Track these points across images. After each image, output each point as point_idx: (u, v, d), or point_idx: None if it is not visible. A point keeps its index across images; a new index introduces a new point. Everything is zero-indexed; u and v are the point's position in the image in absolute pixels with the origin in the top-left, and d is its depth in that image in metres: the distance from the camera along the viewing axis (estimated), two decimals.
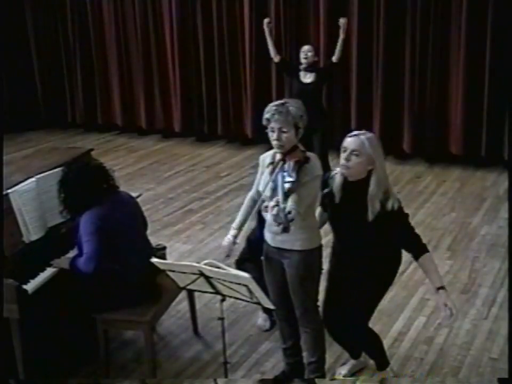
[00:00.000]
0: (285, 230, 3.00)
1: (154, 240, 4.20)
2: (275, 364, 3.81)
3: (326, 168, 4.76)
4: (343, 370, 3.69)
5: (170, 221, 6.14)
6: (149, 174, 7.68)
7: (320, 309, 3.45)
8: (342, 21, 6.47)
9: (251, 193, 3.43)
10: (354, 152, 3.04)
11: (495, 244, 5.35)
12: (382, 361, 3.60)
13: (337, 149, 3.29)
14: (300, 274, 3.25)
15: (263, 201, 3.10)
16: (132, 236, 3.62)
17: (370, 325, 3.47)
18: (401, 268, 3.41)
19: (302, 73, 6.48)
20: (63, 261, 3.62)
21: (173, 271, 3.12)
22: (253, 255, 3.78)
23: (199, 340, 4.12)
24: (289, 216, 2.97)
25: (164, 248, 4.24)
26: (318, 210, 3.37)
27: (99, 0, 9.22)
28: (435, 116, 7.48)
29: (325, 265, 3.41)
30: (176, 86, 8.91)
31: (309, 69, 6.44)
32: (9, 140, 8.00)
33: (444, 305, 3.09)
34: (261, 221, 3.36)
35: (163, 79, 9.03)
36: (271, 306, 3.12)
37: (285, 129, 3.08)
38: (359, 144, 3.04)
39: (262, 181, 3.25)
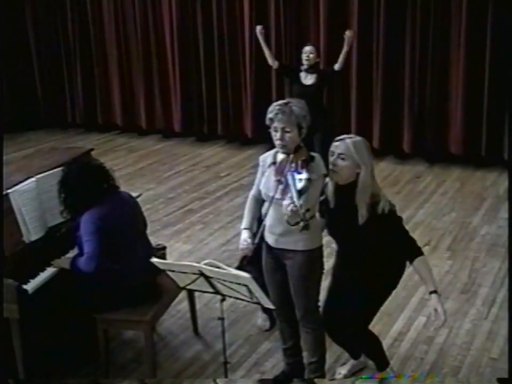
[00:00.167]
0: (306, 227, 2.95)
1: (154, 240, 4.20)
2: (275, 364, 3.81)
3: (327, 168, 4.75)
4: (343, 370, 3.69)
5: (170, 221, 6.14)
6: (149, 174, 7.68)
7: (321, 309, 3.46)
8: (348, 34, 6.39)
9: (253, 192, 3.41)
10: (341, 156, 3.07)
11: (495, 243, 5.35)
12: (382, 362, 3.59)
13: None
14: (303, 274, 3.25)
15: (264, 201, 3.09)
16: (132, 235, 3.62)
17: (370, 325, 3.47)
18: None
19: (303, 74, 6.45)
20: (63, 261, 3.62)
21: (173, 271, 3.12)
22: (253, 258, 3.77)
23: (199, 340, 4.12)
24: (309, 213, 2.95)
25: (164, 248, 4.24)
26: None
27: (99, 0, 9.22)
28: (435, 115, 7.48)
29: (325, 265, 3.41)
30: (176, 86, 8.91)
31: (310, 70, 6.41)
32: (9, 139, 8.00)
33: (434, 311, 3.10)
34: (260, 225, 3.36)
35: (163, 79, 9.03)
36: (271, 306, 3.12)
37: (288, 129, 3.08)
38: (344, 148, 3.07)
39: (264, 182, 3.24)
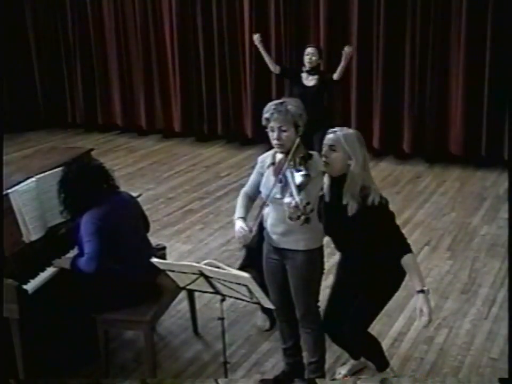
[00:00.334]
0: (307, 220, 2.97)
1: (154, 240, 4.20)
2: (275, 364, 3.81)
3: None
4: (343, 370, 3.69)
5: (170, 221, 6.14)
6: (149, 174, 7.68)
7: (321, 309, 3.46)
8: (346, 50, 6.30)
9: (245, 189, 3.38)
10: (332, 148, 3.12)
11: (495, 243, 5.35)
12: (382, 363, 3.59)
13: None
14: (303, 274, 3.25)
15: (266, 204, 3.10)
16: (132, 236, 3.62)
17: (370, 326, 3.47)
18: None
19: (304, 75, 6.42)
20: (64, 261, 3.62)
21: (173, 271, 3.12)
22: (253, 262, 3.78)
23: (199, 340, 4.12)
24: (309, 206, 2.96)
25: (164, 248, 4.24)
26: None
27: (99, 0, 9.22)
28: (435, 116, 7.49)
29: (326, 265, 3.41)
30: (176, 86, 8.91)
31: (312, 71, 6.39)
32: (9, 139, 8.00)
33: (419, 310, 3.10)
34: (261, 229, 3.36)
35: (163, 79, 9.03)
36: (271, 306, 3.12)
37: (284, 128, 3.09)
38: (335, 139, 3.12)
39: (264, 182, 3.24)
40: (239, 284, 2.92)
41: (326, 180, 3.21)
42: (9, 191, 3.58)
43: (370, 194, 3.09)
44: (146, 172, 7.75)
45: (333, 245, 3.44)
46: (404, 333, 4.11)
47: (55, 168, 3.82)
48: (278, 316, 3.56)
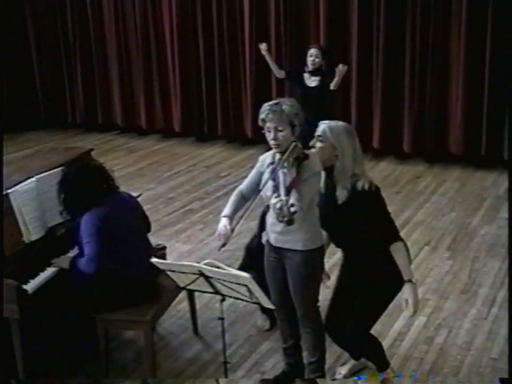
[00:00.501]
0: (290, 222, 2.96)
1: (154, 240, 4.20)
2: (275, 364, 3.81)
3: None
4: (343, 370, 3.69)
5: (170, 221, 6.14)
6: (149, 174, 7.68)
7: (321, 309, 3.45)
8: (340, 68, 6.22)
9: (241, 187, 3.40)
10: (319, 138, 3.19)
11: (495, 243, 5.35)
12: (382, 363, 3.59)
13: None
14: (302, 274, 3.25)
15: (268, 206, 3.10)
16: (132, 236, 3.62)
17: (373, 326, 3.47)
18: None
19: (306, 76, 6.38)
20: (63, 261, 3.62)
21: (173, 271, 3.12)
22: (254, 263, 3.78)
23: (199, 340, 4.12)
24: (292, 208, 2.96)
25: (164, 248, 4.24)
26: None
27: (99, 0, 9.22)
28: (435, 115, 7.49)
29: (325, 265, 3.42)
30: (176, 86, 8.91)
31: (314, 72, 6.37)
32: (9, 140, 8.01)
33: (405, 301, 3.13)
34: (262, 229, 3.36)
35: (163, 79, 9.03)
36: (271, 306, 3.11)
37: (280, 128, 3.10)
38: (322, 130, 3.19)
39: (263, 182, 3.24)
40: (239, 283, 2.92)
41: (322, 174, 3.23)
42: (9, 191, 3.58)
43: (359, 181, 3.12)
44: (146, 172, 7.75)
45: (332, 245, 3.44)
46: (404, 333, 4.11)
47: (55, 168, 3.82)
48: (278, 315, 3.56)
